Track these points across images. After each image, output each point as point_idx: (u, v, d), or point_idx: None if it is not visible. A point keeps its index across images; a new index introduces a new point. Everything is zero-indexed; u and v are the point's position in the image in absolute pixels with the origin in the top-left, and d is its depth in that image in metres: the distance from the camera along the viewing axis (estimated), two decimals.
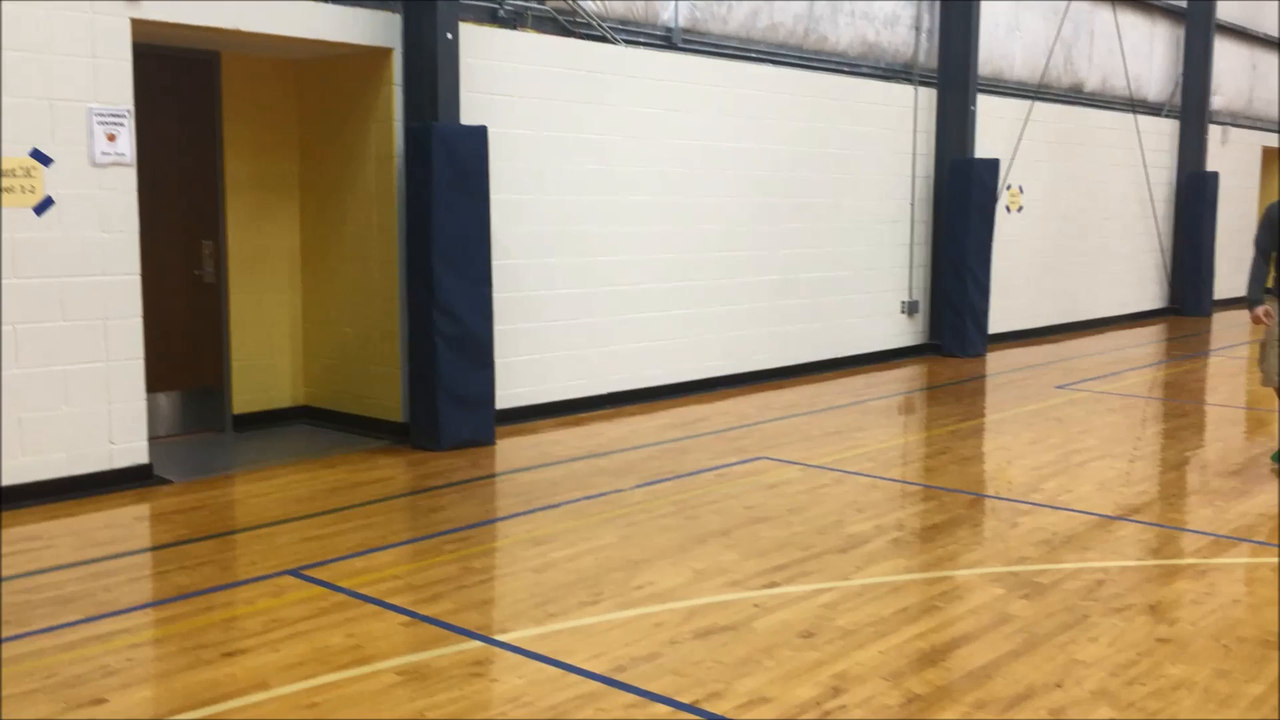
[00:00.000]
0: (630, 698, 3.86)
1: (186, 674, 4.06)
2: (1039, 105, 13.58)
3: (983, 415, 9.47)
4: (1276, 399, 7.56)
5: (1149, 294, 16.48)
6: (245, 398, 8.32)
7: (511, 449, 7.81)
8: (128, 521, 6.14)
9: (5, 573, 5.15)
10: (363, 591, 4.91)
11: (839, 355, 11.39)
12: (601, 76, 8.96)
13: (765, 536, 5.75)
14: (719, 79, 9.89)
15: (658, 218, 9.50)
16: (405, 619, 4.62)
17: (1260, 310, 6.97)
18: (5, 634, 4.41)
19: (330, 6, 7.37)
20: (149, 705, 3.83)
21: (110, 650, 4.28)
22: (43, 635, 4.40)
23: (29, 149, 6.10)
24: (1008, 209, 13.29)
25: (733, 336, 10.31)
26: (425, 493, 6.73)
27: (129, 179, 6.48)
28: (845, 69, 11.28)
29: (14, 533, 5.76)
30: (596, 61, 8.92)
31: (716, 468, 7.26)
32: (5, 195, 6.01)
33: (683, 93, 9.58)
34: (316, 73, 8.28)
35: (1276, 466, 7.17)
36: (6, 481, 6.13)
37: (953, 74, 12.23)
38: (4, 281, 6.04)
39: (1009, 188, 13.27)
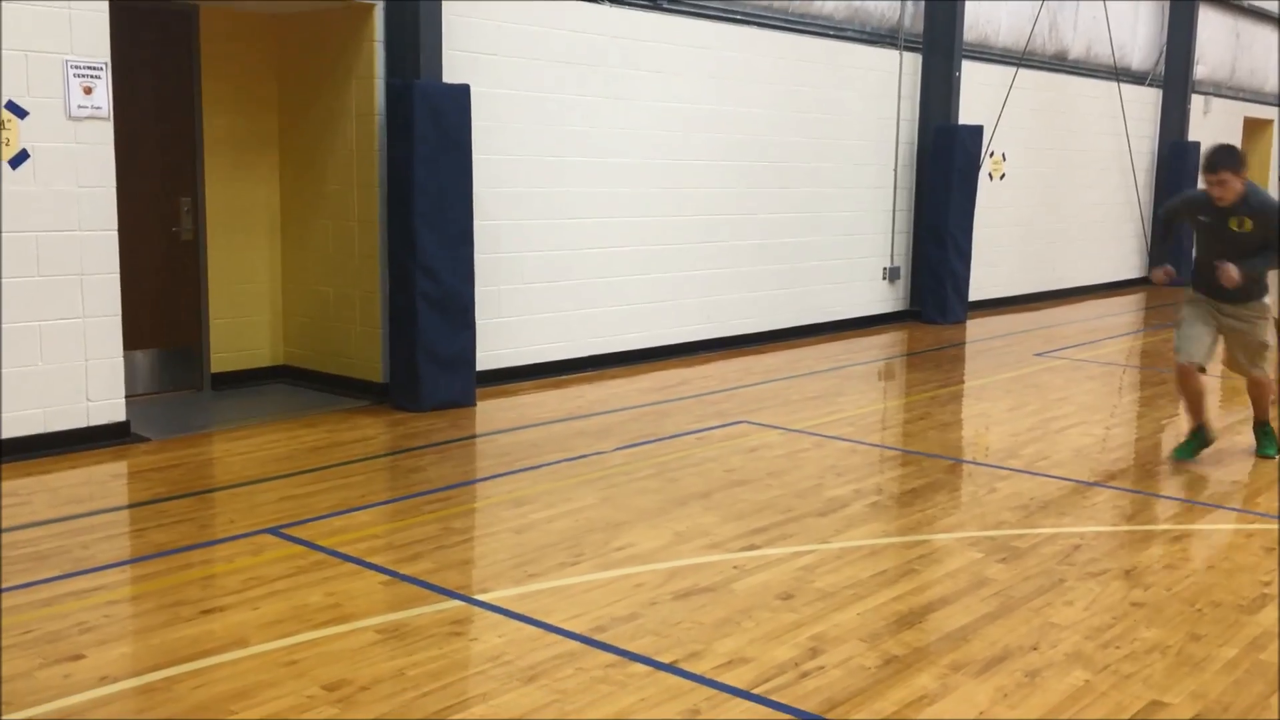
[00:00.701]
0: (610, 657, 3.87)
1: (165, 630, 4.05)
2: (1023, 72, 13.55)
3: (962, 382, 9.51)
4: (1187, 385, 6.58)
5: (1128, 263, 16.55)
6: (224, 356, 8.26)
7: (492, 410, 7.79)
8: (104, 479, 6.11)
9: None
10: (342, 550, 4.91)
11: (819, 321, 11.40)
12: (586, 37, 8.87)
13: (745, 499, 5.77)
14: (703, 41, 9.81)
15: (640, 180, 9.45)
16: (385, 578, 4.61)
17: (1159, 271, 6.82)
18: None
19: None
20: (128, 661, 3.82)
21: (87, 607, 4.26)
22: (19, 591, 4.37)
23: (4, 101, 6.00)
24: (990, 176, 13.29)
25: (713, 301, 10.29)
26: (405, 453, 6.71)
27: (106, 132, 6.39)
28: (831, 33, 11.21)
29: None
30: (581, 22, 8.83)
31: (697, 431, 7.27)
32: None
33: (666, 54, 9.50)
34: (297, 28, 8.17)
35: (1177, 460, 6.65)
36: None
37: (938, 40, 12.18)
38: None
39: (991, 155, 13.27)
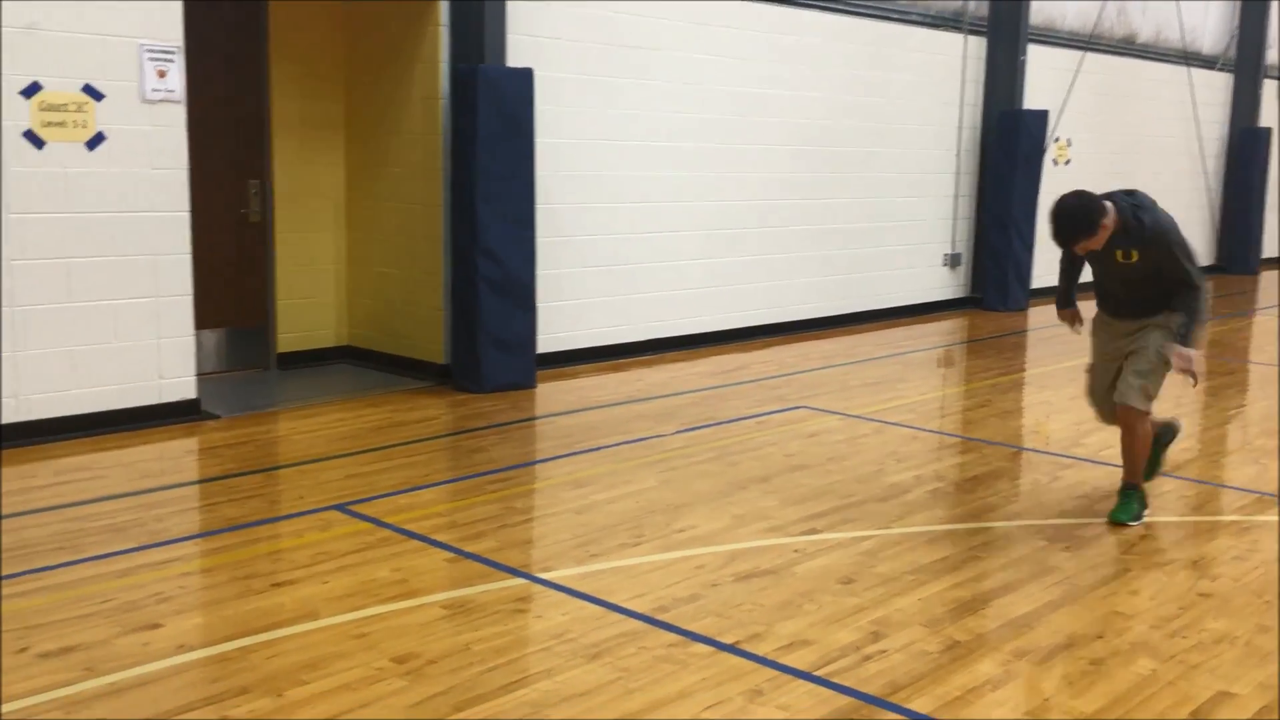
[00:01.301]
0: (672, 637, 3.91)
1: (238, 602, 4.15)
2: (1090, 56, 13.33)
3: (1024, 369, 9.41)
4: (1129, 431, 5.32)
5: (1196, 250, 16.22)
6: (290, 336, 8.40)
7: (552, 392, 7.85)
8: (177, 454, 6.25)
9: (58, 501, 5.26)
10: (407, 527, 4.99)
11: (879, 307, 11.33)
12: (647, 21, 8.88)
13: (805, 484, 5.77)
14: (765, 24, 9.77)
15: (700, 164, 9.45)
16: (449, 555, 4.69)
17: (1066, 313, 5.77)
18: (59, 560, 4.52)
19: None
20: (203, 631, 3.93)
21: (163, 578, 4.38)
22: (98, 562, 4.50)
23: (81, 84, 6.14)
24: (1055, 162, 13.09)
25: (773, 285, 10.27)
26: (467, 433, 6.80)
27: (179, 115, 6.52)
28: (893, 16, 11.10)
29: (66, 463, 5.88)
30: (642, 5, 8.83)
31: (756, 415, 7.28)
32: (58, 130, 6.07)
33: (727, 38, 9.48)
34: (364, 13, 8.26)
35: (1133, 524, 5.23)
36: (59, 412, 6.24)
37: (1004, 23, 12.02)
38: (57, 215, 6.11)
39: (1056, 140, 13.08)
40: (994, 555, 4.83)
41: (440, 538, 4.88)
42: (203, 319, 7.30)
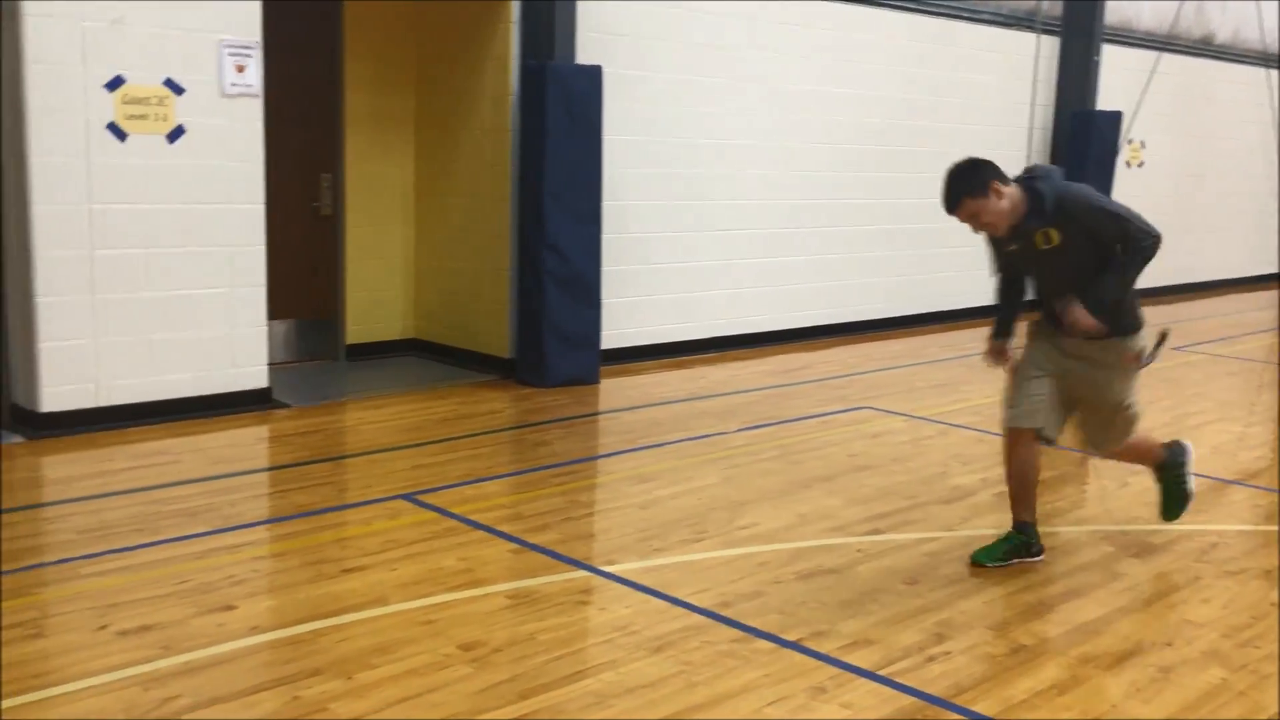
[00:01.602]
0: (735, 633, 3.92)
1: (309, 586, 4.24)
2: (1166, 57, 13.08)
3: None
4: (1015, 457, 4.67)
5: (1271, 257, 15.87)
6: (358, 328, 8.53)
7: (615, 388, 7.89)
8: (249, 441, 6.39)
9: (136, 484, 5.40)
10: (472, 518, 5.05)
11: (944, 309, 11.22)
12: (714, 19, 8.89)
13: (868, 484, 5.75)
14: (832, 22, 9.73)
15: (766, 163, 9.43)
16: (514, 546, 4.74)
17: (994, 347, 4.84)
18: (137, 541, 4.65)
19: None
20: (275, 613, 4.02)
21: (237, 561, 4.49)
22: (174, 544, 4.62)
23: (163, 78, 6.29)
24: (1128, 164, 12.88)
25: (837, 285, 10.23)
26: (531, 427, 6.86)
27: (256, 110, 6.65)
28: (963, 15, 10.99)
29: (143, 448, 6.03)
30: (712, 4, 8.84)
31: (819, 415, 7.26)
32: (140, 123, 6.22)
33: (794, 35, 9.45)
34: (436, 10, 8.36)
35: (976, 564, 4.60)
36: (137, 399, 6.40)
37: (1077, 22, 11.84)
38: (137, 207, 6.27)
39: (1130, 142, 12.86)
40: (1060, 560, 4.77)
41: (505, 529, 4.93)
42: (274, 310, 7.44)
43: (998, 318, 4.84)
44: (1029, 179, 4.37)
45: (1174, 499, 5.01)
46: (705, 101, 8.94)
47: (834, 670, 3.67)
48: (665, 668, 3.64)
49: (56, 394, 6.12)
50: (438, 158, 8.51)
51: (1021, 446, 4.59)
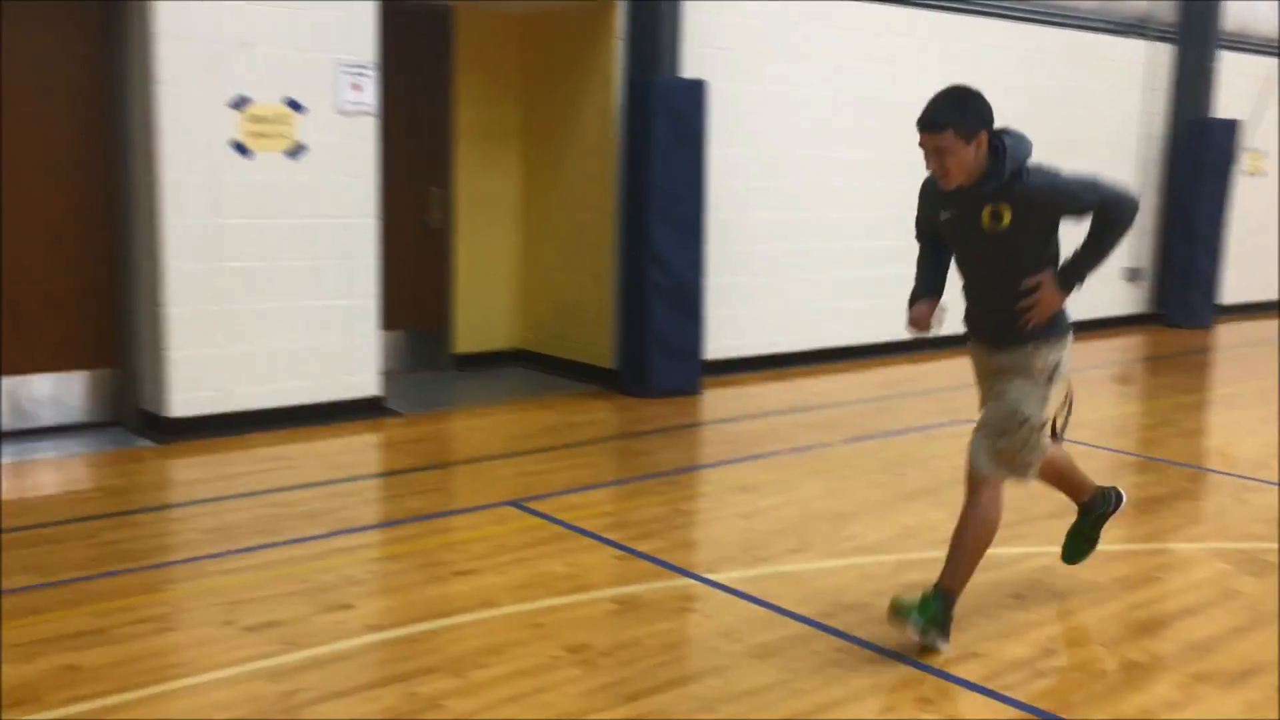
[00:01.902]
0: (839, 642, 3.94)
1: (422, 588, 4.37)
2: None
3: (1208, 389, 9.03)
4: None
5: None
6: (466, 339, 8.73)
7: (717, 399, 7.94)
8: (362, 448, 6.59)
9: (257, 487, 5.62)
10: (578, 525, 5.14)
11: None
12: (817, 30, 8.90)
13: None
14: (936, 32, 9.65)
15: (870, 174, 9.39)
16: (619, 553, 4.82)
17: (918, 309, 4.31)
18: (259, 542, 4.84)
19: None
20: (390, 613, 4.16)
21: (353, 562, 4.65)
22: (294, 545, 4.80)
23: (284, 97, 6.54)
24: (1248, 173, 12.49)
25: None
26: (634, 437, 6.94)
27: (371, 127, 6.88)
28: (1071, 23, 10.80)
29: (263, 452, 6.27)
30: (813, 15, 8.85)
31: (924, 428, 7.20)
32: (262, 140, 6.48)
33: (901, 46, 9.41)
34: (543, 25, 8.53)
35: (912, 623, 3.80)
36: (257, 405, 6.65)
37: (1193, 28, 11.54)
38: (258, 221, 6.53)
39: (1249, 151, 12.47)
40: (1174, 577, 4.68)
41: (610, 535, 5.02)
42: (386, 321, 7.66)
43: (918, 277, 4.25)
44: (1000, 132, 3.79)
45: (1081, 542, 4.41)
46: (810, 114, 8.94)
47: (940, 682, 3.66)
48: (770, 675, 3.68)
49: (184, 400, 6.40)
50: (544, 171, 8.68)
51: (984, 492, 3.93)
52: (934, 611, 3.79)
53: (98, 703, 3.40)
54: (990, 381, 4.02)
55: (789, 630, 4.03)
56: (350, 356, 6.97)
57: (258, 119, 6.46)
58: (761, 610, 4.21)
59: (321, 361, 6.85)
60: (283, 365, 6.71)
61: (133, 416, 6.60)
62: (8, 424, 6.33)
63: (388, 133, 7.59)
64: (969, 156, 3.69)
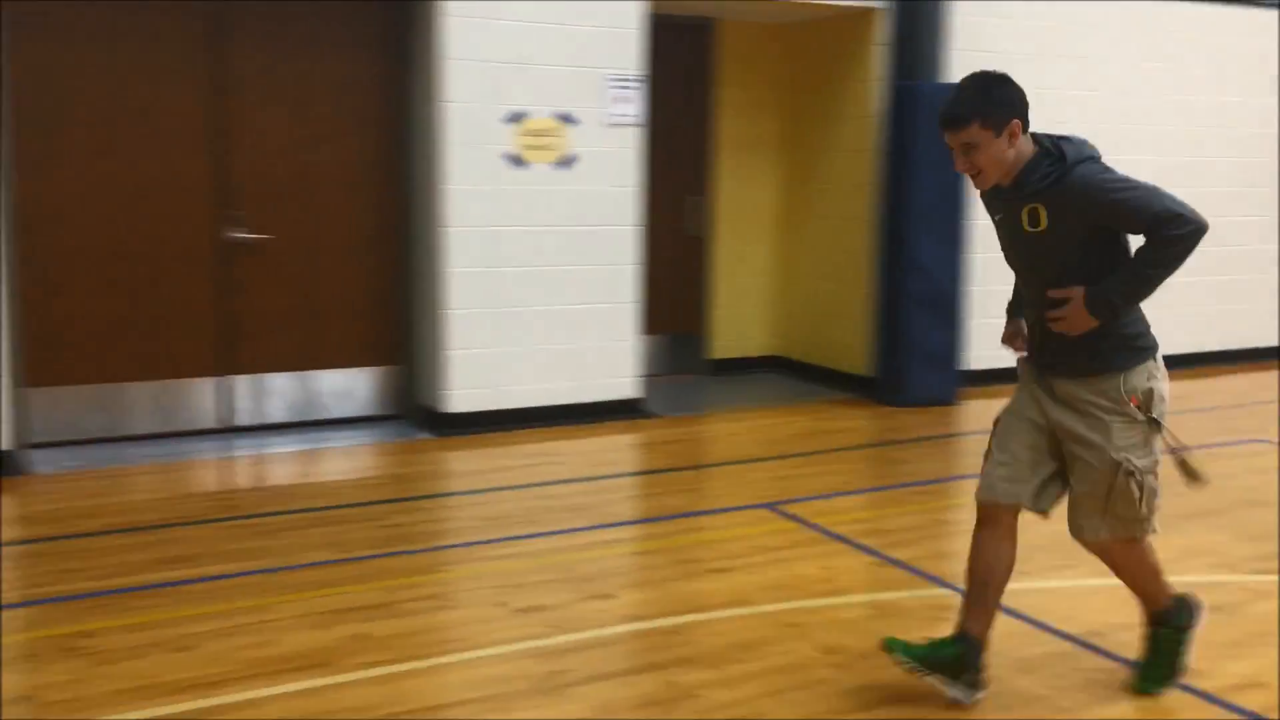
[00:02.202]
0: (1106, 662, 3.80)
1: (680, 582, 4.51)
2: None
3: None
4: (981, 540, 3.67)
5: None
6: (722, 344, 8.87)
7: (974, 410, 7.74)
8: (622, 447, 6.84)
9: (526, 480, 5.93)
10: (832, 530, 5.16)
11: None
12: (1092, 29, 8.54)
13: (1260, 521, 5.33)
14: (1222, 28, 9.05)
15: (1145, 178, 8.88)
16: (873, 559, 4.80)
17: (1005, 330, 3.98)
18: (528, 531, 5.11)
19: None
20: (649, 604, 4.32)
21: (614, 555, 4.85)
22: (559, 536, 5.05)
23: (555, 111, 6.88)
24: None
25: (1228, 310, 9.47)
26: (889, 445, 6.87)
27: (636, 138, 7.12)
28: None
29: (531, 448, 6.61)
30: (1087, 15, 8.49)
31: (1208, 446, 6.77)
32: (537, 153, 6.84)
33: (1173, 44, 8.89)
34: (806, 34, 8.57)
35: (904, 662, 3.47)
36: (526, 403, 7.01)
37: None
38: (530, 228, 6.89)
39: None
40: None
41: (865, 542, 5.01)
42: (646, 325, 7.90)
43: (1015, 292, 3.81)
44: (1056, 137, 3.38)
45: (1162, 665, 3.61)
46: (1079, 117, 8.56)
47: (1218, 710, 3.48)
48: (1033, 689, 3.59)
49: (461, 396, 6.83)
50: (802, 179, 8.71)
51: (987, 528, 3.57)
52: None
53: (385, 669, 3.71)
54: (1056, 414, 3.52)
55: (1053, 647, 3.92)
56: (612, 359, 7.24)
57: (533, 132, 6.82)
58: (1023, 625, 4.11)
59: (585, 363, 7.15)
60: (550, 365, 7.05)
61: (414, 411, 7.09)
62: (303, 415, 6.92)
63: (651, 143, 7.83)
64: (1002, 150, 3.27)
